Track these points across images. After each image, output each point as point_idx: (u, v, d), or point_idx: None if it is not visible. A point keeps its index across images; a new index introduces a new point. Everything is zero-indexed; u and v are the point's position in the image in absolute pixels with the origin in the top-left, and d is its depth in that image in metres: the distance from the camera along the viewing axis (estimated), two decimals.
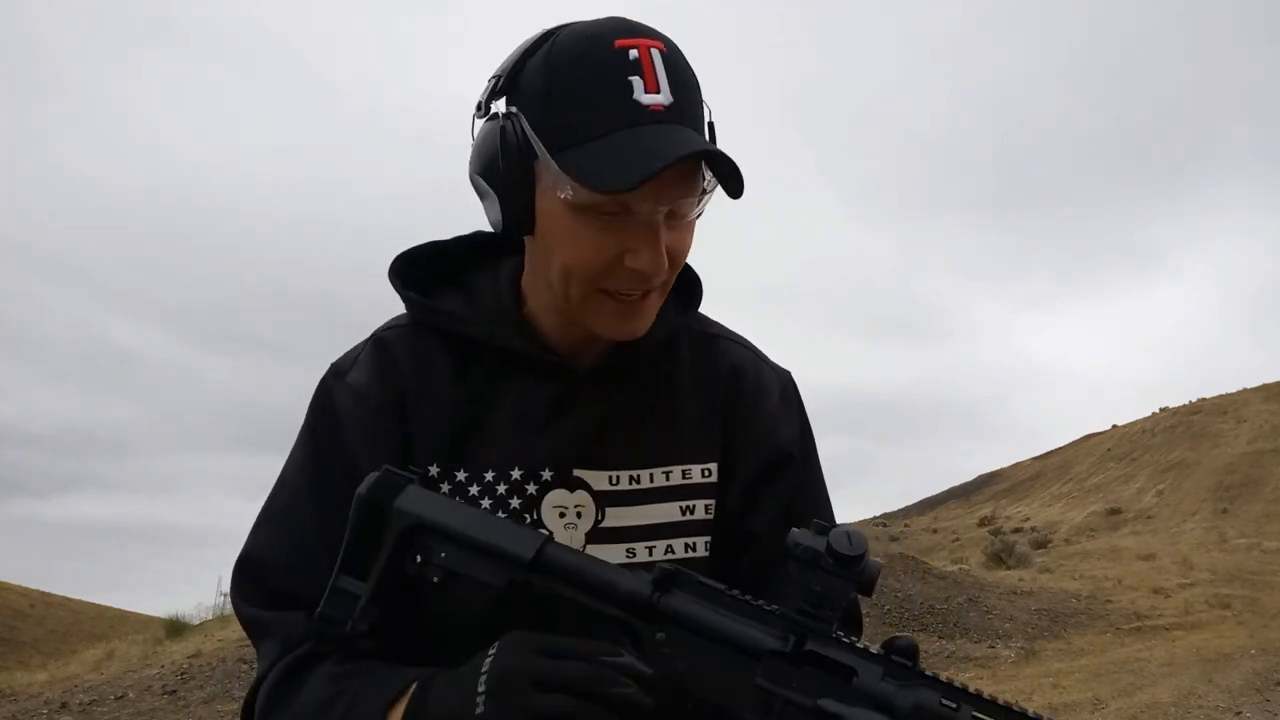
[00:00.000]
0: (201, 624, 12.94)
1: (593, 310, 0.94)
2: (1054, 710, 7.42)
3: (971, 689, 0.77)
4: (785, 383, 1.12)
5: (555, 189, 0.89)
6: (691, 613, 0.80)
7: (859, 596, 0.80)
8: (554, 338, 1.01)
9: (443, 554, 0.84)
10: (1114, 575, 15.16)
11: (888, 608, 11.01)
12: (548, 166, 0.88)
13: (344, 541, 0.85)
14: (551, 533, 0.97)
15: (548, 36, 0.91)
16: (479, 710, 0.76)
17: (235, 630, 11.00)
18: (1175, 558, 17.27)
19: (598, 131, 0.86)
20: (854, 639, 0.78)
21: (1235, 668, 8.74)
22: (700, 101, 0.92)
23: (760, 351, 1.13)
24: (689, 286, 1.10)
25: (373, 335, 1.04)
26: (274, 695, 0.90)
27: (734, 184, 0.88)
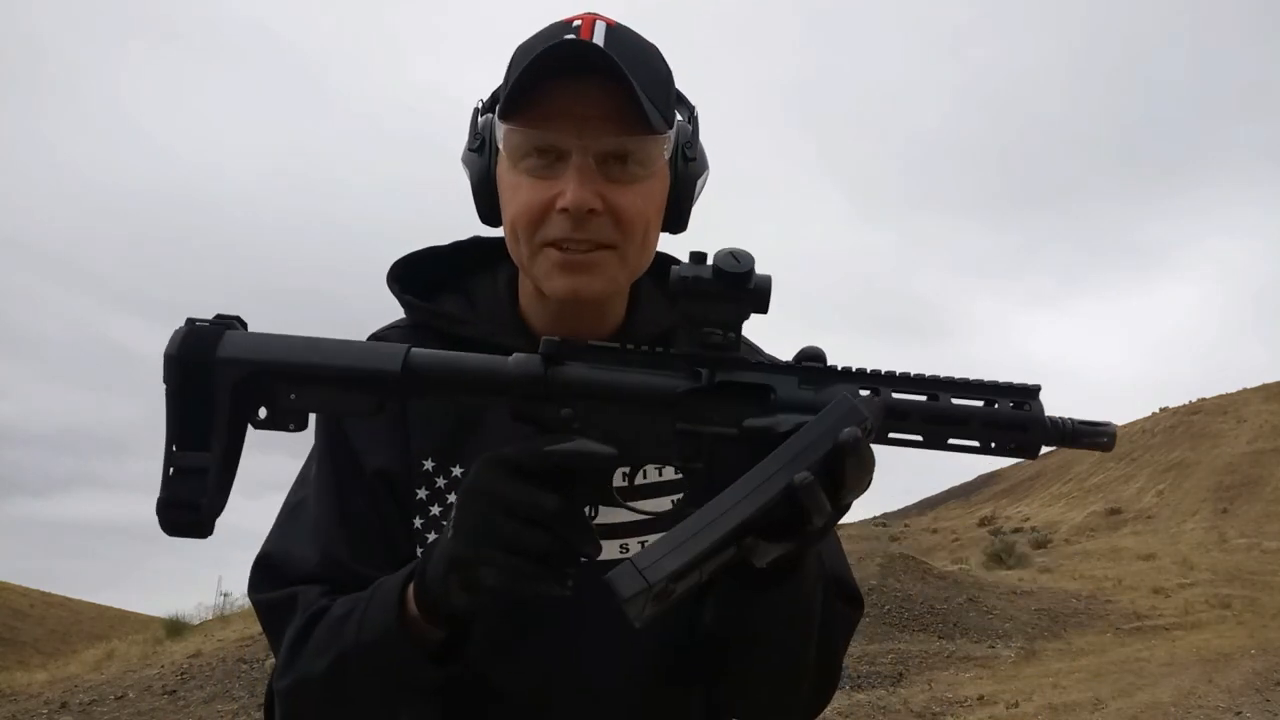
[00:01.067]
0: (201, 624, 12.94)
1: (542, 267, 0.94)
2: (1054, 710, 7.42)
3: (888, 371, 0.77)
4: None
5: (500, 147, 0.93)
6: (591, 379, 0.76)
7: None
8: (549, 335, 1.01)
9: (291, 395, 0.75)
10: (1114, 575, 15.15)
11: (888, 608, 11.00)
12: (496, 131, 0.93)
13: (166, 414, 0.76)
14: None
15: None
16: (449, 535, 0.75)
17: (235, 630, 11.00)
18: (1175, 558, 17.26)
19: (527, 64, 0.89)
20: (763, 356, 0.77)
21: (1235, 668, 8.73)
22: (652, 68, 0.94)
23: (755, 345, 1.13)
24: None
25: (371, 336, 1.05)
26: (292, 649, 0.90)
27: (641, 116, 0.88)
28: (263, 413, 0.76)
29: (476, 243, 1.09)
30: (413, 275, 1.05)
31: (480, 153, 0.97)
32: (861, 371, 0.77)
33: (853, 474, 0.71)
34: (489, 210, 1.00)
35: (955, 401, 0.77)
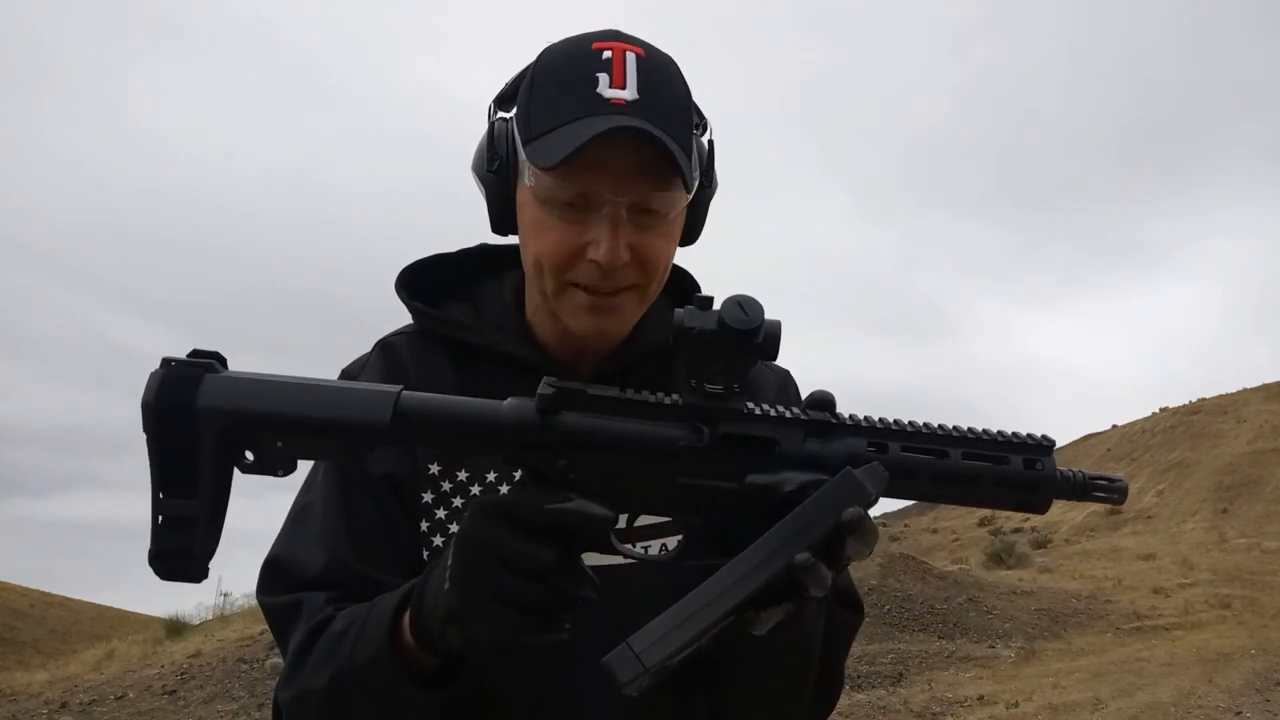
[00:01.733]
0: (201, 624, 12.94)
1: (566, 304, 0.95)
2: (1054, 710, 7.42)
3: (897, 424, 0.74)
4: (783, 380, 1.14)
5: (526, 180, 0.93)
6: (589, 428, 0.73)
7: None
8: (554, 344, 1.03)
9: (279, 444, 0.72)
10: (1114, 575, 15.15)
11: (888, 608, 11.00)
12: (519, 158, 0.93)
13: (150, 463, 0.73)
14: None
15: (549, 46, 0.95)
16: (446, 587, 0.74)
17: (235, 630, 11.00)
18: (1175, 558, 17.25)
19: (560, 120, 0.88)
20: (768, 408, 0.73)
21: (1235, 668, 8.73)
22: (680, 108, 0.93)
23: None
24: (687, 292, 1.11)
25: (379, 341, 1.07)
26: (297, 657, 0.90)
27: (671, 171, 0.88)
28: (249, 456, 0.73)
29: (483, 250, 1.10)
30: (420, 282, 1.07)
31: (499, 174, 0.95)
32: (869, 424, 0.74)
33: (854, 551, 0.70)
34: (502, 224, 1.00)
35: (965, 459, 0.75)
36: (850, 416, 0.76)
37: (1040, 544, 21.63)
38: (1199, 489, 28.92)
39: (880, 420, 0.75)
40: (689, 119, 0.94)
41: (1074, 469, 0.78)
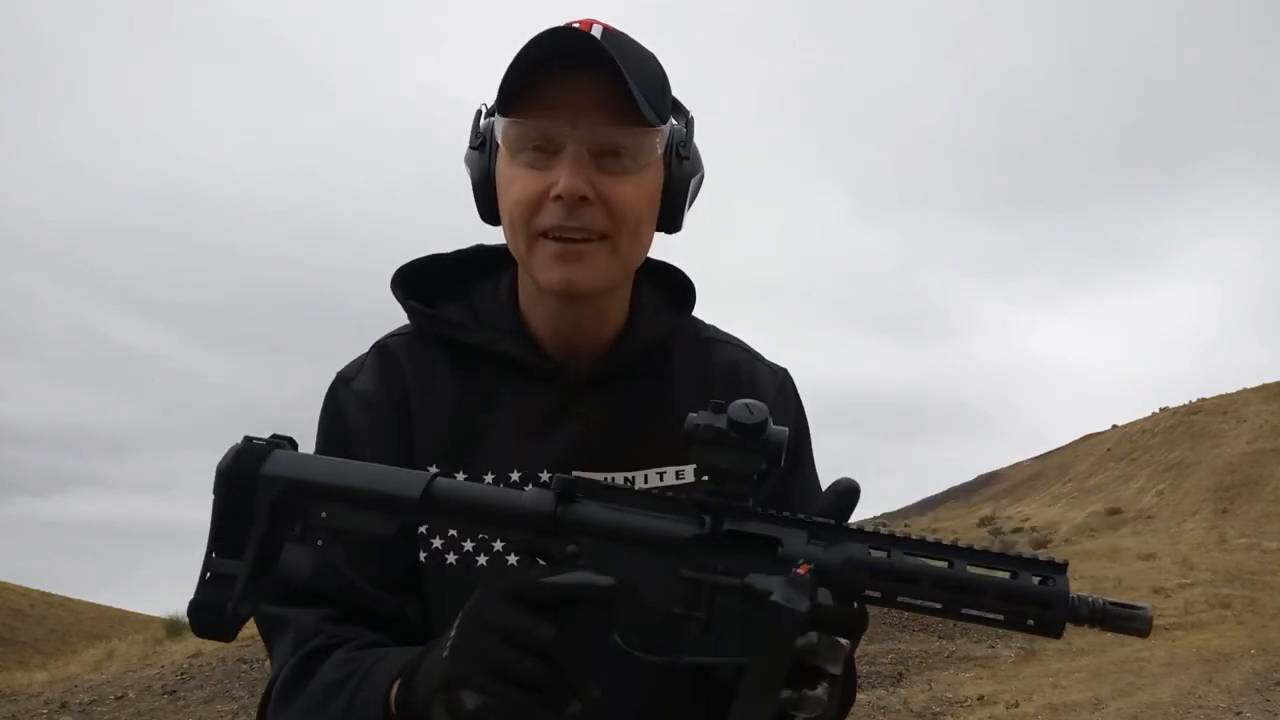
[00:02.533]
0: None
1: (538, 258, 0.96)
2: (1054, 710, 7.42)
3: (901, 533, 0.75)
4: (783, 380, 1.13)
5: (499, 140, 0.95)
6: (599, 519, 0.76)
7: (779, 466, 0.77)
8: (551, 344, 1.03)
9: (322, 514, 0.79)
10: (1114, 575, 15.15)
11: (887, 608, 10.99)
12: (496, 127, 0.96)
13: (211, 523, 0.79)
14: None
15: None
16: (444, 653, 0.75)
17: None
18: (1175, 558, 17.26)
19: (520, 63, 0.91)
20: (774, 510, 0.75)
21: (1235, 668, 8.73)
22: (648, 65, 0.96)
23: (756, 351, 1.14)
24: (681, 290, 1.12)
25: (376, 343, 1.07)
26: (287, 687, 0.91)
27: (631, 104, 0.91)
28: (297, 528, 0.79)
29: (479, 251, 1.10)
30: (416, 282, 1.07)
31: (481, 150, 0.99)
32: (875, 532, 0.75)
33: (829, 661, 0.70)
34: (488, 208, 1.01)
35: (972, 570, 0.75)
36: (856, 525, 0.77)
37: (1040, 544, 21.64)
38: (1199, 489, 28.94)
39: (890, 532, 0.76)
40: (658, 78, 0.96)
41: (1093, 596, 0.78)
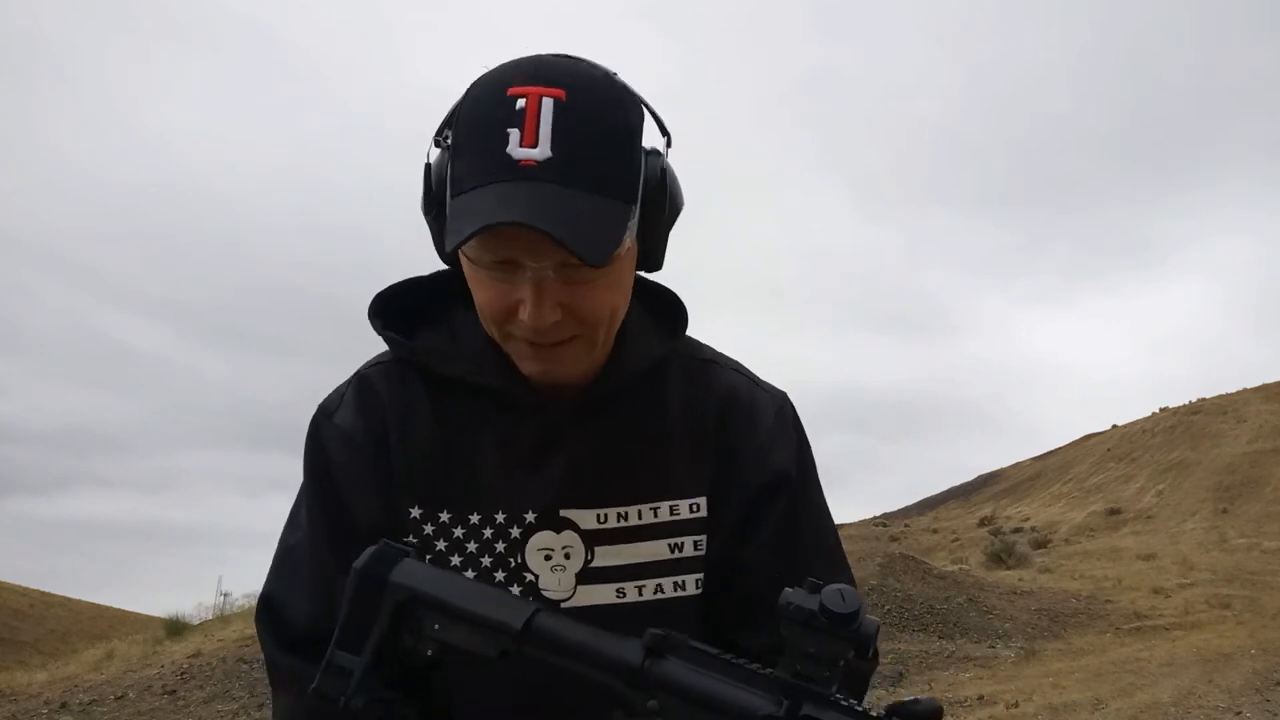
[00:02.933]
0: (201, 624, 12.94)
1: (512, 350, 0.94)
2: (1054, 710, 7.42)
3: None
4: (780, 405, 1.07)
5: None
6: (683, 679, 0.78)
7: (867, 661, 0.78)
8: None
9: (435, 626, 0.84)
10: (1114, 575, 15.16)
11: (888, 608, 11.01)
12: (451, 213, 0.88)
13: (340, 616, 0.85)
14: (538, 577, 0.97)
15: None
16: None
17: (235, 630, 11.00)
18: (1175, 558, 17.27)
19: (473, 182, 0.84)
20: (853, 702, 0.76)
21: (1235, 668, 8.74)
22: (609, 153, 0.86)
23: (754, 375, 1.10)
24: (673, 314, 1.07)
25: (356, 373, 1.04)
26: None
27: (584, 253, 0.82)
28: (411, 634, 0.84)
29: (458, 273, 1.03)
30: (395, 307, 1.02)
31: (438, 219, 0.92)
32: None
33: None
34: (451, 259, 0.97)
35: None
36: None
37: (1040, 544, 21.64)
38: (1199, 489, 28.93)
39: None
40: (620, 163, 0.87)
41: None
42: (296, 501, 1.03)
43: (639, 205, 0.90)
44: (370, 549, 0.85)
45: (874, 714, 0.76)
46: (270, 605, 0.99)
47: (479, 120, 0.85)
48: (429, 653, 0.84)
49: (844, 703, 0.76)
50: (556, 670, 0.82)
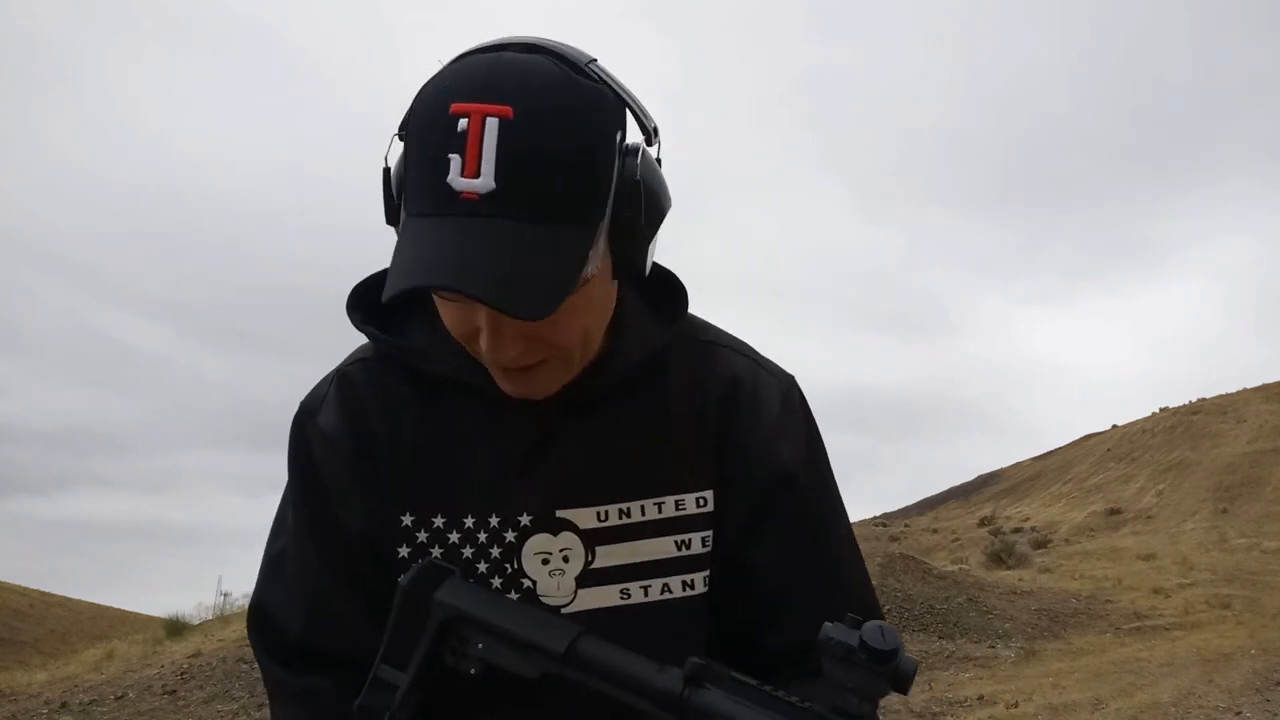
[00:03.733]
0: (201, 624, 12.93)
1: (489, 368, 0.89)
2: (1054, 710, 7.42)
3: None
4: (787, 390, 1.02)
5: None
6: (722, 709, 0.79)
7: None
8: None
9: (479, 645, 0.85)
10: (1114, 575, 15.15)
11: (888, 608, 11.00)
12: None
13: (386, 631, 0.87)
14: (535, 582, 0.94)
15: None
16: None
17: (235, 630, 10.99)
18: (1175, 558, 17.26)
19: (414, 208, 0.78)
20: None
21: (1235, 668, 8.73)
22: (564, 173, 0.77)
23: (760, 356, 1.05)
24: (672, 298, 1.01)
25: (337, 370, 0.99)
26: None
27: (521, 311, 0.75)
28: (454, 650, 0.86)
29: None
30: (373, 301, 0.93)
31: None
32: None
33: None
34: None
35: None
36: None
37: (1040, 544, 21.64)
38: (1199, 489, 28.92)
39: None
40: (577, 181, 0.78)
41: None
42: (283, 503, 1.00)
43: (607, 219, 0.81)
44: (416, 566, 0.87)
45: None
46: (261, 614, 0.98)
47: (424, 139, 0.78)
48: (471, 671, 0.85)
49: None
50: (590, 706, 0.82)
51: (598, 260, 0.82)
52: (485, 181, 0.75)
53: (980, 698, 7.98)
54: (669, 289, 1.01)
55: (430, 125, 0.78)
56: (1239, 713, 7.17)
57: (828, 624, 0.76)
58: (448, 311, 0.84)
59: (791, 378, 1.04)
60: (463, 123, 0.76)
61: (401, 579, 0.86)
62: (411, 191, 0.79)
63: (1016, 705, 7.60)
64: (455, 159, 0.75)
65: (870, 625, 0.75)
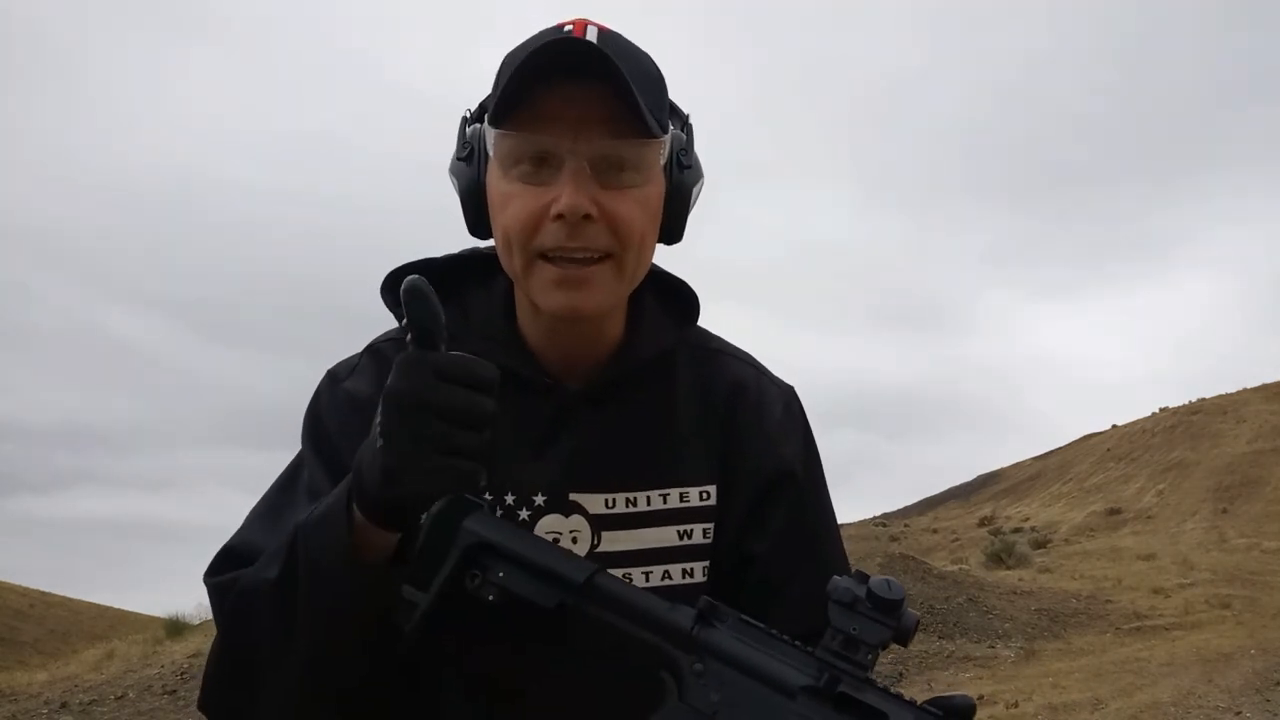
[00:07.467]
0: (201, 624, 12.92)
1: (536, 281, 0.92)
2: (1054, 710, 7.42)
3: None
4: (788, 399, 1.08)
5: (491, 153, 0.92)
6: (729, 647, 0.82)
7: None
8: (545, 356, 0.99)
9: (500, 573, 0.87)
10: (1114, 575, 15.17)
11: None
12: (487, 138, 0.92)
13: (413, 559, 0.88)
14: None
15: None
16: (379, 444, 0.77)
17: None
18: (1175, 558, 17.27)
19: (516, 62, 0.89)
20: (889, 687, 0.78)
21: (1235, 668, 8.74)
22: (646, 69, 0.93)
23: (763, 367, 1.11)
24: (685, 303, 1.08)
25: (368, 346, 1.04)
26: (232, 582, 0.91)
27: (633, 115, 0.88)
28: (476, 577, 0.87)
29: (473, 255, 1.06)
30: None
31: (469, 162, 0.95)
32: None
33: None
34: (477, 221, 0.97)
35: None
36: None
37: (1040, 544, 21.65)
38: (1199, 489, 28.93)
39: None
40: (657, 84, 0.93)
41: None
42: (294, 463, 1.00)
43: (670, 150, 0.94)
44: (445, 498, 0.88)
45: (908, 699, 0.78)
46: (228, 553, 0.95)
47: (523, 43, 0.91)
48: (490, 598, 0.86)
49: (879, 686, 0.78)
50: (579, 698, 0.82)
51: (659, 177, 0.94)
52: (592, 37, 0.89)
53: (980, 698, 7.98)
54: (683, 296, 1.08)
55: (533, 37, 0.91)
56: (1239, 713, 7.17)
57: (835, 576, 0.79)
58: (516, 199, 0.90)
59: (792, 389, 1.10)
60: (568, 26, 0.91)
61: (432, 507, 0.87)
62: (513, 67, 0.89)
63: (1016, 705, 7.60)
64: (567, 28, 0.90)
65: (878, 578, 0.78)
